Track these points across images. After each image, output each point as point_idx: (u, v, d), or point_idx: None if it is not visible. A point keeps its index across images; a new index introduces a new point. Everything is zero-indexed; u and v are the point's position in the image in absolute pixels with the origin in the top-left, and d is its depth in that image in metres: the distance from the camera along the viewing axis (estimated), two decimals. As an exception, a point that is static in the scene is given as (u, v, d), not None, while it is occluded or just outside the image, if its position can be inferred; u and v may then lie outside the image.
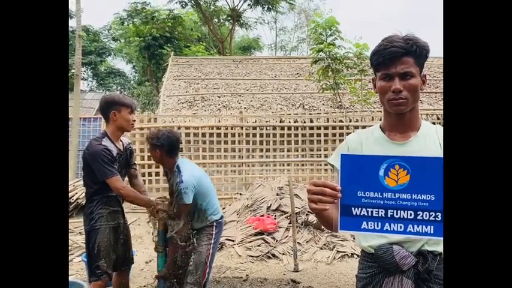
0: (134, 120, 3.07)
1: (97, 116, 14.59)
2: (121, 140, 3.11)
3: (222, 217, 3.14)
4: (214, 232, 3.05)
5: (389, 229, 1.38)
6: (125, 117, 2.98)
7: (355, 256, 5.23)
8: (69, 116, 12.27)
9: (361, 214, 1.40)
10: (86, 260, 3.22)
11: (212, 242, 3.03)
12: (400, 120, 1.58)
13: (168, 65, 13.76)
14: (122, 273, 3.28)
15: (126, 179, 3.25)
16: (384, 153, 1.50)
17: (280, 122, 8.93)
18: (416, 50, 1.49)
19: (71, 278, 3.90)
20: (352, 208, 1.40)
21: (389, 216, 1.38)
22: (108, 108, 2.98)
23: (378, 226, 1.40)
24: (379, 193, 1.39)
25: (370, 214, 1.39)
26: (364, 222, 1.40)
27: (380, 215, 1.39)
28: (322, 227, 5.71)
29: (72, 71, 24.87)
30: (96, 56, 27.24)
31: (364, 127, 8.88)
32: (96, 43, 27.65)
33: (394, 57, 1.49)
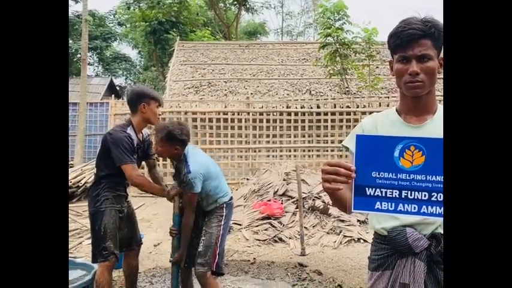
0: (160, 114, 3.10)
1: (103, 101, 14.64)
2: (141, 132, 3.14)
3: (231, 199, 3.16)
4: (224, 214, 3.06)
5: (403, 210, 1.38)
6: (153, 110, 3.03)
7: (362, 241, 5.26)
8: (76, 101, 12.34)
9: (375, 194, 1.39)
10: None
11: (222, 223, 3.04)
12: (416, 103, 1.56)
13: (174, 50, 13.71)
14: (130, 253, 3.32)
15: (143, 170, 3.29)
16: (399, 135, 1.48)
17: (287, 107, 8.90)
18: (434, 33, 1.47)
19: (81, 260, 3.95)
20: (366, 188, 1.40)
21: (403, 196, 1.38)
22: (137, 99, 3.02)
23: (391, 207, 1.39)
24: (394, 174, 1.38)
25: (384, 194, 1.39)
26: (378, 203, 1.40)
27: (394, 196, 1.38)
28: (329, 212, 5.74)
29: (78, 55, 24.86)
30: (101, 41, 27.15)
31: (371, 113, 8.86)
32: (102, 28, 27.54)
33: (412, 39, 1.47)
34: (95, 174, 3.18)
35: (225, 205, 3.08)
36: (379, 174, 1.39)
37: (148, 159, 3.30)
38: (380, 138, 1.43)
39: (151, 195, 3.42)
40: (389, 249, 1.60)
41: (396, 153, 1.37)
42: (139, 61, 30.71)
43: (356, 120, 8.50)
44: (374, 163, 1.39)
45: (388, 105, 9.00)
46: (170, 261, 3.09)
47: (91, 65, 28.66)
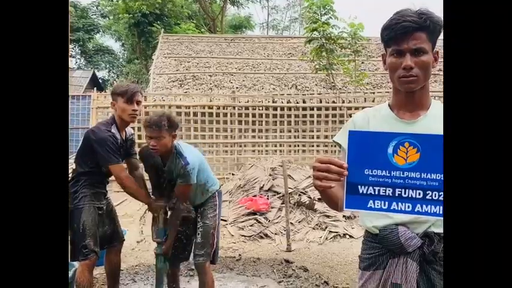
0: (134, 110, 2.91)
1: (86, 93, 14.34)
2: (125, 130, 3.07)
3: (220, 186, 3.15)
4: (217, 203, 3.04)
5: (396, 208, 1.33)
6: (120, 106, 2.90)
7: (347, 236, 5.25)
8: (57, 94, 12.01)
9: (368, 193, 1.34)
10: None
11: (217, 212, 3.03)
12: (409, 98, 1.51)
13: (158, 42, 13.49)
14: (112, 250, 3.23)
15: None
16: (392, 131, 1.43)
17: (273, 102, 8.83)
18: (429, 25, 1.42)
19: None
20: (359, 186, 1.35)
21: (397, 195, 1.33)
22: (111, 97, 2.96)
23: (384, 205, 1.34)
24: (387, 171, 1.33)
25: (377, 193, 1.34)
26: (371, 201, 1.35)
27: (387, 194, 1.33)
28: (315, 207, 5.71)
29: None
30: (84, 33, 26.64)
31: (356, 108, 8.86)
32: (84, 20, 27.00)
33: (406, 32, 1.41)
34: (73, 170, 3.07)
35: (216, 193, 3.06)
36: (372, 172, 1.34)
37: (130, 159, 3.21)
38: (373, 134, 1.37)
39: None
40: (380, 248, 1.56)
41: (390, 150, 1.32)
42: (122, 54, 30.22)
43: (342, 116, 8.51)
44: (367, 160, 1.34)
45: (373, 101, 9.03)
46: (155, 252, 3.01)
47: (73, 57, 28.07)
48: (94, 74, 24.36)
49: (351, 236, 5.25)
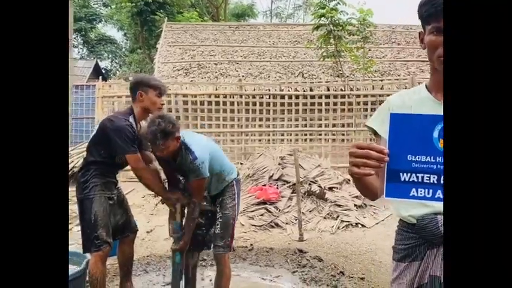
0: (162, 104, 2.96)
1: (89, 83, 14.24)
2: (140, 123, 2.98)
3: (238, 174, 3.05)
4: (235, 191, 2.95)
5: (442, 197, 1.23)
6: (151, 99, 2.86)
7: (359, 226, 5.19)
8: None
9: (411, 180, 1.24)
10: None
11: (236, 201, 2.94)
12: None
13: (161, 31, 13.33)
14: (124, 241, 3.17)
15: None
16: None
17: (280, 90, 8.70)
18: None
19: (72, 248, 3.77)
20: (401, 173, 1.24)
21: (442, 182, 1.23)
22: (135, 87, 2.88)
23: (429, 193, 1.24)
24: (432, 157, 1.22)
25: (420, 180, 1.24)
26: (414, 189, 1.24)
27: (432, 181, 1.23)
28: (325, 196, 5.63)
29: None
30: (86, 23, 26.42)
31: (365, 96, 8.73)
32: (86, 9, 26.78)
33: None
34: (84, 159, 2.99)
35: (234, 182, 2.96)
36: (415, 158, 1.23)
37: (144, 152, 3.12)
38: (418, 116, 1.27)
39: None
40: (417, 239, 1.46)
41: (435, 134, 1.22)
42: (125, 43, 30.01)
43: (350, 104, 8.38)
44: (410, 145, 1.23)
45: (381, 88, 8.90)
46: (173, 249, 2.93)
47: (75, 47, 27.88)
48: (97, 64, 24.18)
49: (363, 226, 5.18)
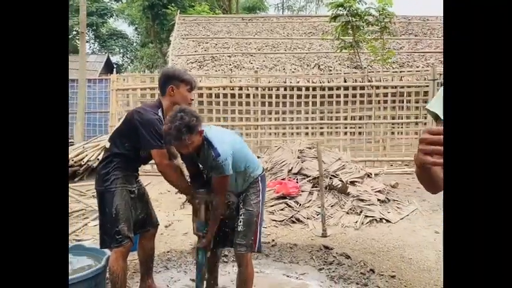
0: (192, 99, 2.84)
1: (102, 77, 14.17)
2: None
3: (263, 170, 2.87)
4: (260, 188, 2.77)
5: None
6: (182, 94, 2.76)
7: (384, 221, 4.99)
8: (75, 78, 11.89)
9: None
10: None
11: (260, 198, 2.76)
12: None
13: (174, 24, 13.18)
14: (146, 235, 3.04)
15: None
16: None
17: (296, 82, 8.49)
18: None
19: (88, 243, 3.65)
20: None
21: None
22: (166, 81, 2.77)
23: None
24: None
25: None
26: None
27: None
28: (347, 191, 5.44)
29: (74, 32, 24.04)
30: (97, 17, 26.35)
31: (385, 87, 8.45)
32: (97, 3, 26.68)
33: None
34: (106, 150, 2.85)
35: (259, 178, 2.78)
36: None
37: (168, 147, 2.97)
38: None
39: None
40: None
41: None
42: (136, 38, 29.96)
43: (370, 96, 8.13)
44: None
45: (401, 79, 8.63)
46: (196, 248, 2.78)
47: (87, 42, 27.86)
48: (108, 59, 24.16)
49: (387, 221, 4.98)
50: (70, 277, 2.52)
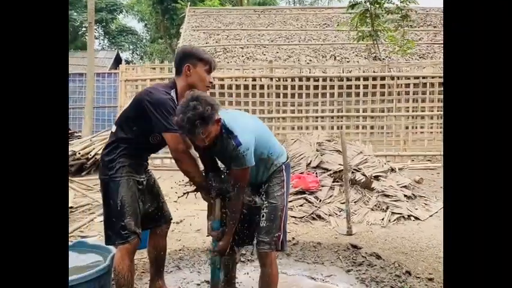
0: (211, 82, 2.49)
1: (111, 71, 13.91)
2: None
3: (288, 158, 2.51)
4: (284, 178, 2.42)
5: None
6: (200, 74, 2.41)
7: (412, 218, 4.61)
8: (84, 72, 11.63)
9: None
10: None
11: (284, 190, 2.42)
12: None
13: (184, 16, 12.87)
14: (156, 231, 2.70)
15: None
16: None
17: (310, 72, 8.08)
18: None
19: (93, 240, 3.33)
20: None
21: None
22: (182, 60, 2.42)
23: None
24: None
25: None
26: None
27: None
28: (372, 186, 5.06)
29: (84, 29, 23.91)
30: (107, 13, 26.18)
31: (408, 78, 8.00)
32: (107, -1, 26.54)
33: None
34: (112, 134, 2.52)
35: (284, 167, 2.43)
36: None
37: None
38: None
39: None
40: None
41: None
42: (145, 35, 29.77)
43: (390, 87, 7.71)
44: None
45: (424, 68, 8.19)
46: (211, 251, 2.43)
47: (96, 38, 27.68)
48: (118, 55, 23.96)
49: (416, 218, 4.60)
50: (70, 278, 2.20)
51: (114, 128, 2.53)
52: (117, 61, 23.15)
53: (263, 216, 2.39)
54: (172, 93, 2.40)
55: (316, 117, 7.89)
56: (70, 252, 2.58)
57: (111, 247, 2.70)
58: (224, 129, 2.19)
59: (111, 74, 13.04)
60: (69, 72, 12.45)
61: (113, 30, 27.72)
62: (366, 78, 7.79)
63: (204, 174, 2.45)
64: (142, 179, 2.55)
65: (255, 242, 2.48)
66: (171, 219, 2.79)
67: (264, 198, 2.42)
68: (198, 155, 2.52)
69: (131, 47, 29.42)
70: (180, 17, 16.83)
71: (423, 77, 7.54)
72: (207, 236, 2.43)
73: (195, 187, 2.49)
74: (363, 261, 3.33)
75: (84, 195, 5.12)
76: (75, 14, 24.04)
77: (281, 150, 2.48)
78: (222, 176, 2.39)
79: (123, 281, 2.39)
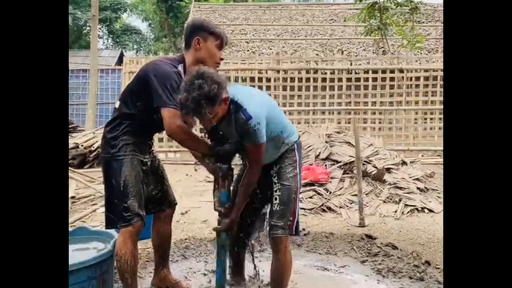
0: (222, 59, 2.34)
1: (115, 67, 13.81)
2: None
3: (299, 137, 2.35)
4: (297, 158, 2.26)
5: None
6: (210, 49, 2.25)
7: (426, 211, 4.43)
8: (87, 68, 11.53)
9: None
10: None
11: (297, 170, 2.25)
12: None
13: (189, 13, 12.75)
14: (161, 216, 2.55)
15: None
16: None
17: (317, 65, 7.91)
18: None
19: (97, 228, 3.18)
20: None
21: None
22: (192, 33, 2.26)
23: None
24: None
25: None
26: None
27: None
28: (384, 178, 4.89)
29: (88, 28, 23.85)
30: (111, 12, 26.11)
31: (417, 71, 7.80)
32: (111, -2, 26.47)
33: None
34: (115, 109, 2.37)
35: (295, 146, 2.27)
36: None
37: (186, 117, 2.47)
38: None
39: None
40: None
41: None
42: (149, 34, 29.69)
43: (400, 80, 7.52)
44: None
45: (434, 63, 8.01)
46: (215, 229, 2.27)
47: (100, 37, 27.61)
48: (122, 54, 23.89)
49: (430, 211, 4.42)
50: (70, 263, 2.04)
51: (117, 104, 2.37)
52: (121, 60, 23.07)
53: (276, 199, 2.22)
54: (180, 67, 2.24)
55: (324, 111, 7.72)
56: (70, 238, 2.43)
57: (113, 233, 2.54)
58: (233, 104, 2.03)
59: (115, 70, 12.96)
60: (73, 68, 12.37)
61: (117, 30, 27.65)
62: (374, 71, 7.61)
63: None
64: (146, 160, 2.39)
65: (266, 227, 2.33)
66: (176, 203, 2.63)
67: (276, 181, 2.26)
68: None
69: (135, 46, 29.34)
70: (184, 14, 16.73)
71: (434, 70, 7.35)
72: (215, 210, 2.26)
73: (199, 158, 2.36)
74: (379, 252, 3.16)
75: (87, 186, 4.98)
76: (79, 13, 24.00)
77: (292, 129, 2.32)
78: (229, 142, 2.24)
79: (125, 266, 2.24)
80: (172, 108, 2.08)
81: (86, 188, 4.98)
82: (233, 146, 2.15)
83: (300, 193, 4.56)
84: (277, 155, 2.26)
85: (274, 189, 2.24)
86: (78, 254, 2.35)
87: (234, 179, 2.27)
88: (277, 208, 2.21)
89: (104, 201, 2.43)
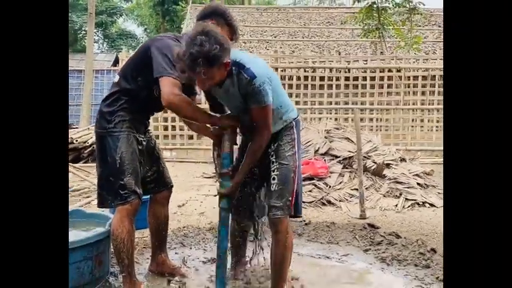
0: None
1: (110, 68, 13.73)
2: None
3: (298, 114, 2.27)
4: (295, 136, 2.18)
5: None
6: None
7: (427, 205, 4.36)
8: (82, 69, 11.43)
9: None
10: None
11: (296, 149, 2.16)
12: None
13: (185, 16, 12.73)
14: (156, 198, 2.46)
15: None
16: None
17: (314, 63, 7.87)
18: None
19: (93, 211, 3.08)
20: None
21: None
22: (210, 14, 2.20)
23: None
24: None
25: None
26: None
27: None
28: (383, 173, 4.83)
29: (84, 32, 23.78)
30: (107, 16, 26.07)
31: (416, 70, 7.78)
32: (107, 2, 26.44)
33: None
34: (114, 84, 2.29)
35: (294, 123, 2.19)
36: None
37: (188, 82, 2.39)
38: None
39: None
40: None
41: None
42: (145, 39, 29.65)
43: (398, 79, 7.50)
44: None
45: (426, 60, 8.00)
46: (218, 192, 2.14)
47: (96, 42, 27.52)
48: (117, 58, 23.78)
49: (431, 205, 4.35)
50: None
51: (117, 78, 2.30)
52: (116, 64, 22.99)
53: (273, 178, 2.12)
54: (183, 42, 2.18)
55: (321, 111, 7.67)
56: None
57: (110, 215, 2.46)
58: (235, 65, 1.93)
59: (110, 71, 12.87)
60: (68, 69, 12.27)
61: (113, 34, 27.60)
62: (372, 71, 7.59)
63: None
64: (142, 139, 2.32)
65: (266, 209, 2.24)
66: (172, 186, 2.54)
67: (274, 160, 2.17)
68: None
69: (130, 50, 29.29)
70: (180, 19, 16.72)
71: (432, 69, 7.34)
72: (218, 173, 2.16)
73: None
74: (382, 241, 3.09)
75: (83, 179, 4.87)
76: (74, 17, 23.93)
77: (291, 104, 2.24)
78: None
79: (122, 246, 2.14)
80: (171, 77, 2.00)
81: (81, 181, 4.87)
82: (237, 118, 2.08)
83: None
84: (276, 127, 2.14)
85: (272, 168, 2.13)
86: (73, 234, 2.25)
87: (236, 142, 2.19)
88: (276, 188, 2.11)
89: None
